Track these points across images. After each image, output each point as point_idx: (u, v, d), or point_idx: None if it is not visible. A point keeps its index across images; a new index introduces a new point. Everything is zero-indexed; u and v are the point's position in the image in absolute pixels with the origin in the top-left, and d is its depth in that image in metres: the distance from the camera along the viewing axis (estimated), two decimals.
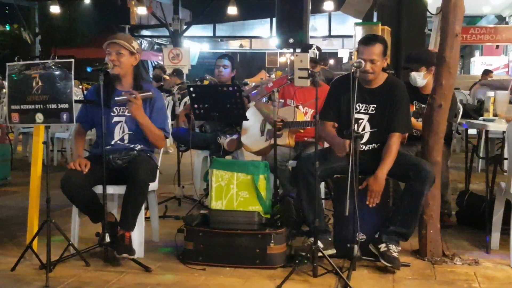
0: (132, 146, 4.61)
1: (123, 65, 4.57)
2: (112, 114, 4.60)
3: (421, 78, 5.32)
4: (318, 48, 5.91)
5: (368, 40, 4.51)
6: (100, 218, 4.45)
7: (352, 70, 4.24)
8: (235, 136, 5.99)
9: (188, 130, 6.17)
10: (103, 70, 4.35)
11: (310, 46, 5.88)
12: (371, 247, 4.36)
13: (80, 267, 4.27)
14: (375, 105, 4.50)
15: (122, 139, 4.61)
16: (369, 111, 4.51)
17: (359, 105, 4.48)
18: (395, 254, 4.25)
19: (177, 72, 13.79)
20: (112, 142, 4.59)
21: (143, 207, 4.48)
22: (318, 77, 4.22)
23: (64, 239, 4.37)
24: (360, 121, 4.51)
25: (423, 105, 5.15)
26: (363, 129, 4.51)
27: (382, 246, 4.29)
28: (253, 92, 5.94)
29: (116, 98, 4.49)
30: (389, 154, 4.36)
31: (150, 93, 4.56)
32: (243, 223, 4.34)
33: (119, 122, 4.62)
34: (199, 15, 29.55)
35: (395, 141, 4.40)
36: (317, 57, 5.80)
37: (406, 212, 4.33)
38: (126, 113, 4.59)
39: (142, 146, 4.64)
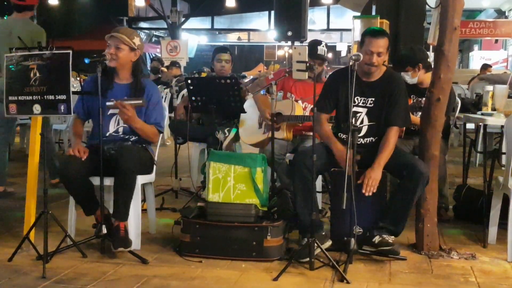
0: (127, 137, 4.61)
1: (120, 59, 4.55)
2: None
3: (409, 77, 5.30)
4: (327, 46, 5.80)
5: (376, 33, 4.48)
6: (93, 210, 4.46)
7: (350, 63, 4.23)
8: (232, 134, 5.97)
9: (186, 122, 6.16)
10: (101, 61, 4.34)
11: (320, 42, 5.71)
12: (365, 247, 4.36)
13: (77, 258, 4.27)
14: (373, 99, 4.49)
15: (116, 131, 4.61)
16: (368, 105, 4.51)
17: (357, 98, 4.47)
18: (391, 241, 4.27)
19: (175, 64, 13.76)
20: (107, 134, 4.58)
21: (139, 199, 4.47)
22: (316, 70, 4.21)
23: (61, 230, 4.37)
24: (358, 115, 4.50)
25: (419, 99, 5.14)
26: (361, 122, 4.50)
27: (376, 238, 4.29)
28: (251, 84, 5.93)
29: (107, 104, 4.43)
30: (386, 147, 4.35)
31: (141, 101, 4.49)
32: (240, 215, 4.33)
33: (114, 114, 4.60)
34: (197, 7, 29.54)
35: (393, 134, 4.40)
36: (325, 54, 5.71)
37: (396, 211, 4.34)
38: None
39: (137, 137, 4.64)
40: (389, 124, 4.43)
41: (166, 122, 5.29)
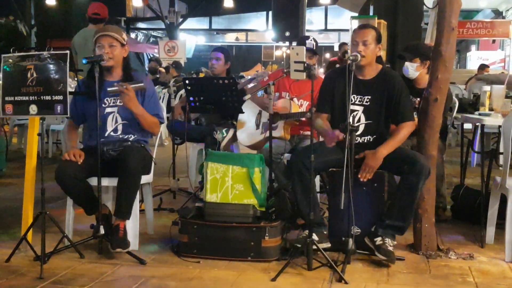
0: (126, 137, 4.60)
1: (116, 57, 4.57)
2: (103, 105, 4.58)
3: (413, 69, 5.30)
4: (315, 40, 5.92)
5: (361, 26, 4.67)
6: (94, 210, 4.45)
7: (348, 63, 4.23)
8: (230, 134, 5.97)
9: (184, 123, 6.16)
10: (98, 61, 4.34)
11: (307, 37, 5.90)
12: (367, 240, 4.35)
13: (74, 259, 4.26)
14: (369, 97, 4.50)
15: (115, 130, 4.60)
16: (364, 103, 4.51)
17: (354, 97, 4.48)
18: (390, 248, 4.25)
19: (176, 65, 13.78)
20: (106, 134, 4.57)
21: (137, 197, 4.47)
22: (314, 70, 4.23)
23: (58, 231, 4.36)
24: (355, 113, 4.51)
25: (414, 99, 5.12)
26: (358, 120, 4.50)
27: (378, 240, 4.28)
28: (249, 85, 5.93)
29: (108, 89, 4.48)
30: (395, 137, 4.39)
31: (142, 84, 4.53)
32: (238, 216, 4.33)
33: (111, 112, 4.60)
34: (195, 7, 29.53)
35: (405, 129, 4.43)
36: (314, 48, 5.80)
37: (401, 206, 4.32)
38: (118, 103, 4.58)
39: (136, 136, 4.64)
40: (401, 121, 4.47)
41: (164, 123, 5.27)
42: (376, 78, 4.54)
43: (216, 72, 6.37)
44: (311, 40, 5.84)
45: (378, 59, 4.67)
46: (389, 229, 4.33)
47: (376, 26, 8.98)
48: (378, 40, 4.50)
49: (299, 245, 4.20)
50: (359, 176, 4.32)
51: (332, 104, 4.62)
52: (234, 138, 6.02)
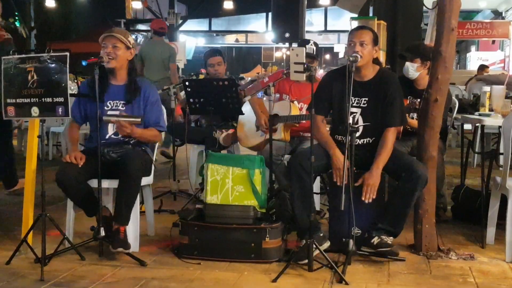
0: (126, 139, 4.60)
1: (119, 58, 4.55)
2: (105, 108, 4.58)
3: (414, 69, 5.31)
4: (315, 44, 5.89)
5: (358, 27, 4.65)
6: (95, 212, 4.45)
7: (348, 63, 4.22)
8: (230, 131, 5.98)
9: (184, 124, 6.15)
10: (98, 63, 4.34)
11: (308, 41, 5.86)
12: (364, 248, 4.35)
13: (75, 261, 4.26)
14: (367, 99, 4.48)
15: (116, 133, 4.60)
16: (361, 105, 4.49)
17: (351, 99, 4.46)
18: (390, 242, 4.26)
19: None
20: (107, 136, 4.58)
21: (137, 201, 4.47)
22: (314, 72, 4.22)
23: (59, 233, 4.36)
24: (353, 115, 4.49)
25: (414, 100, 5.12)
26: (357, 122, 4.49)
27: (375, 239, 4.27)
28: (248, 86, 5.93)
29: (104, 118, 4.46)
30: (384, 149, 4.34)
31: (139, 119, 4.52)
32: (239, 217, 4.33)
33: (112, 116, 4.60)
34: (195, 9, 29.54)
35: (390, 135, 4.38)
36: (314, 53, 5.78)
37: (395, 212, 4.32)
38: (120, 107, 4.58)
39: (136, 139, 4.63)
40: (386, 125, 4.42)
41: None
42: (373, 79, 4.52)
43: (221, 76, 6.32)
44: (311, 44, 5.78)
45: (375, 60, 4.66)
46: (382, 231, 4.32)
47: (376, 27, 9.02)
48: (375, 41, 4.49)
49: (302, 260, 4.18)
50: (363, 198, 4.30)
51: (330, 107, 4.61)
52: (234, 140, 6.02)
